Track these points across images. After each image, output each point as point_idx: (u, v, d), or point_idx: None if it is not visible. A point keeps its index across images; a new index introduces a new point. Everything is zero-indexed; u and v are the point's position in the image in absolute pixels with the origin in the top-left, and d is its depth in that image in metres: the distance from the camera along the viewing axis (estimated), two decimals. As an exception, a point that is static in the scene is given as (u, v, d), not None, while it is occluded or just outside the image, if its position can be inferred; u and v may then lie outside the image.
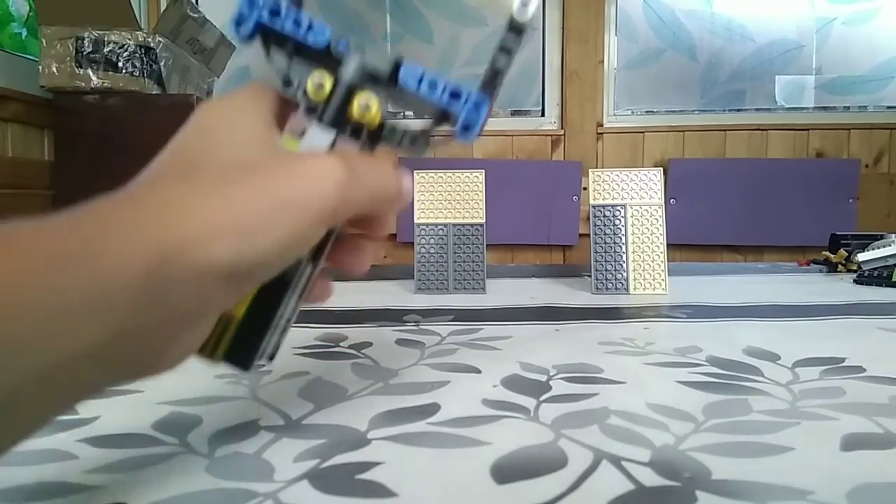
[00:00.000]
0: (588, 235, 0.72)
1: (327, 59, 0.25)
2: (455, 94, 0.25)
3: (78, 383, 0.19)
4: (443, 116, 0.26)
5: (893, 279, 0.75)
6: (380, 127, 0.25)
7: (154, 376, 0.21)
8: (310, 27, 0.24)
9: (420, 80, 0.25)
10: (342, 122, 0.24)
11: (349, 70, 0.24)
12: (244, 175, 0.22)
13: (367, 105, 0.24)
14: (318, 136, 0.24)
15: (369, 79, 0.25)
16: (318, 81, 0.24)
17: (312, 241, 0.23)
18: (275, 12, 0.24)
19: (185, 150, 0.23)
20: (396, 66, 0.25)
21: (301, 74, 0.25)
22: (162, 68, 1.43)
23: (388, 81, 0.25)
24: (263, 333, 0.24)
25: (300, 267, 0.24)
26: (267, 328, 0.24)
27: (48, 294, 0.17)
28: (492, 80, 0.25)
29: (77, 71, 1.40)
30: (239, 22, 0.25)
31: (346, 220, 0.25)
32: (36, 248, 0.17)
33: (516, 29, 0.25)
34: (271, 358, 0.26)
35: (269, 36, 0.25)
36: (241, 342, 0.24)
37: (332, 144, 0.25)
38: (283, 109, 0.25)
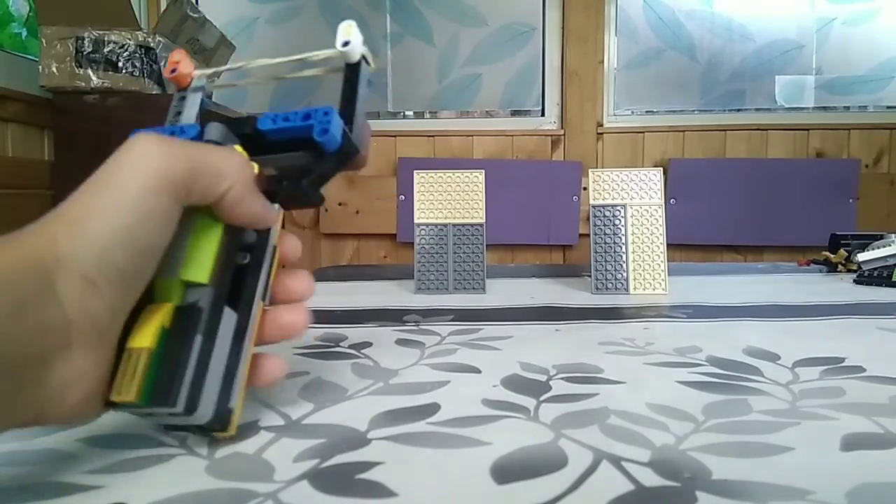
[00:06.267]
0: (588, 235, 0.72)
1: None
2: (306, 115, 0.28)
3: None
4: (311, 154, 0.29)
5: (893, 279, 0.75)
6: (268, 185, 0.28)
7: (59, 420, 0.22)
8: (182, 131, 0.29)
9: (274, 119, 0.28)
10: None
11: (210, 132, 0.28)
12: (85, 184, 0.23)
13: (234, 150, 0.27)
14: None
15: (236, 139, 0.28)
16: None
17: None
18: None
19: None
20: (253, 121, 0.28)
21: None
22: (162, 68, 1.43)
23: (255, 138, 0.28)
24: (177, 363, 0.24)
25: (206, 293, 0.25)
26: (180, 357, 0.24)
27: None
28: (345, 105, 0.30)
29: (77, 71, 1.40)
30: None
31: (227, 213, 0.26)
32: None
33: (350, 66, 0.31)
34: (223, 424, 0.26)
35: None
36: (157, 374, 0.23)
37: None
38: None
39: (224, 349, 0.26)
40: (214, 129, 0.28)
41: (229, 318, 0.26)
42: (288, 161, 0.29)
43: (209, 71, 0.32)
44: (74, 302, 0.21)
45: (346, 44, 0.30)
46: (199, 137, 0.28)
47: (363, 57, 0.31)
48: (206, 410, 0.24)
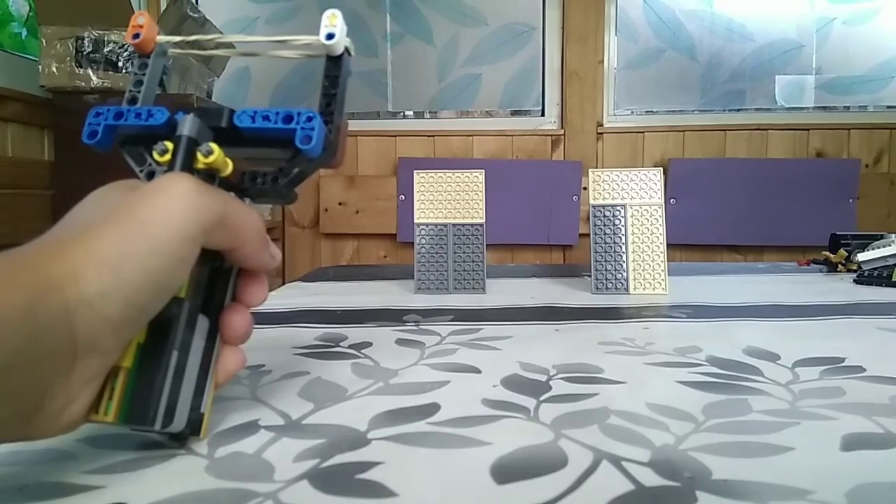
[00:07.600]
0: (588, 235, 0.72)
1: (173, 133, 0.26)
2: (288, 118, 0.26)
3: None
4: (288, 152, 0.27)
5: (893, 279, 0.75)
6: (240, 179, 0.27)
7: (45, 436, 0.22)
8: (150, 114, 0.27)
9: (253, 117, 0.27)
10: (191, 172, 0.26)
11: (184, 126, 0.26)
12: (108, 214, 0.23)
13: (209, 150, 0.26)
14: None
15: (210, 133, 0.27)
16: (161, 148, 0.26)
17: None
18: (119, 115, 0.27)
19: (65, 220, 0.25)
20: (231, 115, 0.27)
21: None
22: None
23: (228, 130, 0.27)
24: (154, 381, 0.23)
25: (183, 308, 0.25)
26: (156, 376, 0.23)
27: None
28: (326, 104, 0.29)
29: (77, 71, 1.40)
30: (91, 133, 0.27)
31: (223, 251, 0.26)
32: None
33: (332, 59, 0.29)
34: (194, 429, 0.26)
35: (123, 136, 0.28)
36: (134, 394, 0.23)
37: None
38: None
39: (197, 358, 0.26)
40: (188, 123, 0.26)
41: (203, 325, 0.26)
42: (264, 155, 0.28)
43: (175, 38, 0.31)
44: (88, 338, 0.21)
45: (330, 37, 0.28)
46: (168, 123, 0.27)
47: (346, 49, 0.29)
48: (180, 421, 0.25)
